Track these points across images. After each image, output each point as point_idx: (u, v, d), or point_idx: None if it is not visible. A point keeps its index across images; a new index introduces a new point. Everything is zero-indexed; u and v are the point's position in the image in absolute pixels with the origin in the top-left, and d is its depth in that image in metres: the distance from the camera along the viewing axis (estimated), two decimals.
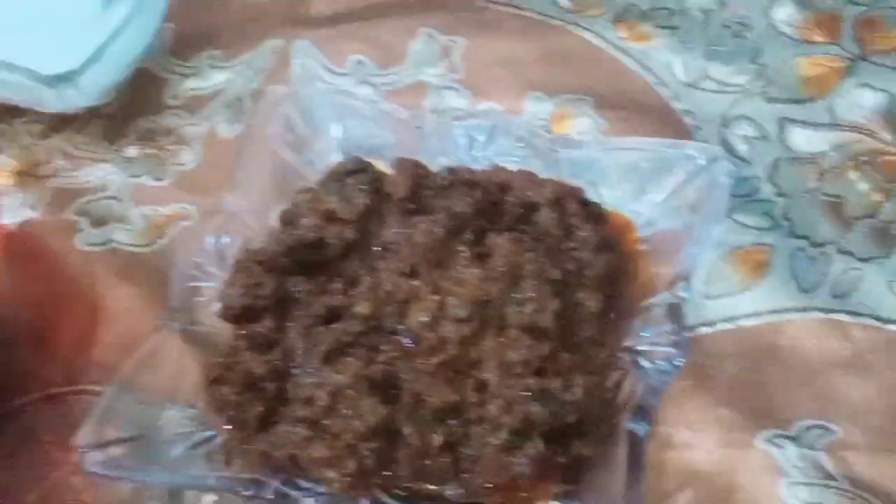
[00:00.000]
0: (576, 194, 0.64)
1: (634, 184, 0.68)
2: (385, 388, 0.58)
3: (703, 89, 0.76)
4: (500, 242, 0.61)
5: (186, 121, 0.78)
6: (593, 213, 0.64)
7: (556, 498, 0.57)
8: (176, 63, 0.81)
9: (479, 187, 0.64)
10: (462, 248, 0.61)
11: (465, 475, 0.57)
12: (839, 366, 0.63)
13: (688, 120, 0.74)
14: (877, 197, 0.69)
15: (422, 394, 0.57)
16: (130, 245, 0.72)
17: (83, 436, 0.59)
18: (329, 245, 0.63)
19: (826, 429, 0.61)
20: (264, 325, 0.61)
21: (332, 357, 0.58)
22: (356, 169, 0.66)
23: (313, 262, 0.63)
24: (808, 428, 0.61)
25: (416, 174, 0.65)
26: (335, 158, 0.70)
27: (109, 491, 0.63)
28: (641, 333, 0.61)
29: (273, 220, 0.67)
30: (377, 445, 0.56)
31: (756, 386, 0.63)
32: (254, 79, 0.79)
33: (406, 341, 0.59)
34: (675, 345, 0.59)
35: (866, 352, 0.63)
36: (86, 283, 0.70)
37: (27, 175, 0.76)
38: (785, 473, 0.60)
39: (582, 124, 0.75)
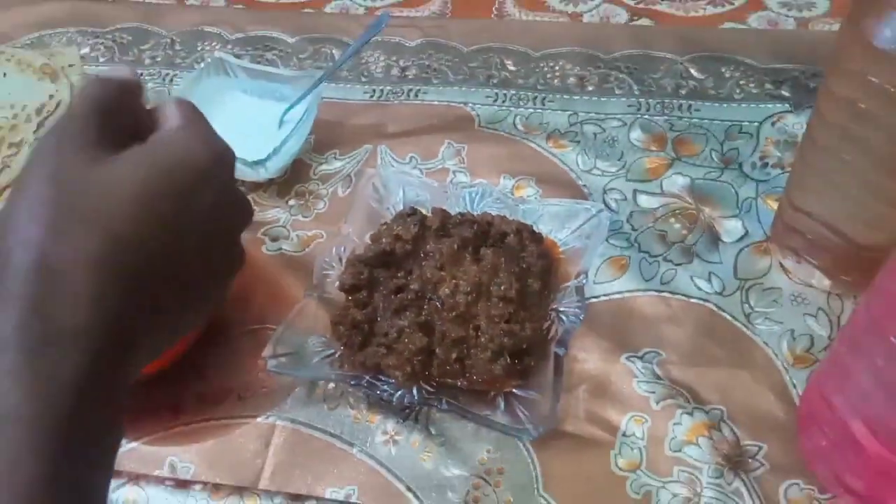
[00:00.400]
0: (527, 228, 0.66)
1: (557, 223, 0.69)
2: (426, 329, 0.59)
3: (593, 174, 0.76)
4: (487, 253, 0.63)
5: (321, 187, 0.79)
6: (537, 238, 0.66)
7: (515, 386, 0.58)
8: (315, 156, 0.82)
9: (476, 223, 0.66)
10: (466, 255, 0.63)
11: (468, 375, 0.58)
12: (664, 320, 0.64)
13: (585, 190, 0.75)
14: (684, 232, 0.70)
15: (445, 332, 0.58)
16: (291, 252, 0.73)
17: (266, 351, 0.60)
18: (396, 253, 0.64)
19: (658, 353, 0.62)
20: (362, 294, 0.63)
21: (398, 312, 0.61)
22: (411, 213, 0.67)
23: (389, 262, 0.64)
24: (648, 352, 0.62)
25: (443, 215, 0.67)
26: (400, 206, 0.71)
27: (280, 382, 0.63)
28: (561, 302, 0.62)
29: (367, 239, 0.68)
30: (421, 358, 0.58)
31: (620, 330, 0.64)
32: (357, 165, 0.80)
33: (438, 304, 0.60)
34: (578, 308, 0.61)
35: (679, 313, 0.64)
36: (268, 272, 0.70)
37: None
38: (636, 376, 0.61)
39: (529, 191, 0.75)
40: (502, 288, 0.60)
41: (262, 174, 0.75)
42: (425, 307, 0.61)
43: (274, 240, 0.75)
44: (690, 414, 0.58)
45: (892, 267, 0.45)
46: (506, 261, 0.62)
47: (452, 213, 0.69)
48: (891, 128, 0.51)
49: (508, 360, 0.58)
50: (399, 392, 0.58)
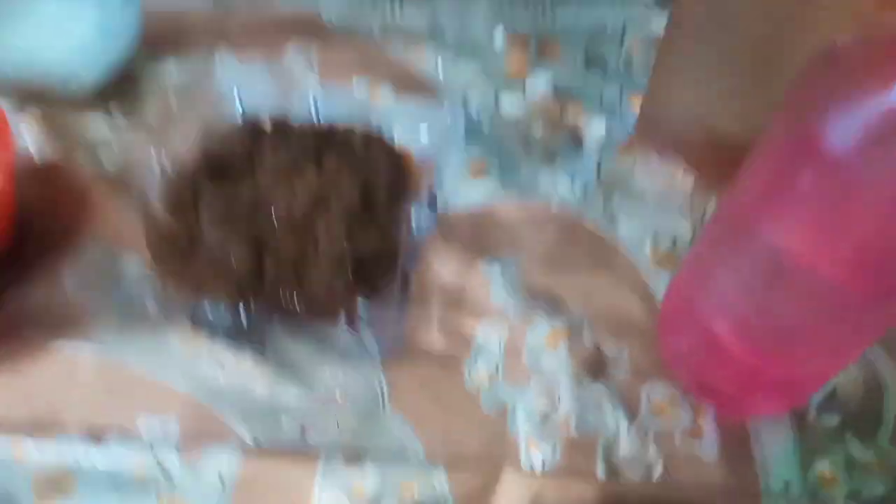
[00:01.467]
0: (376, 134, 0.60)
1: (411, 129, 0.63)
2: (256, 244, 0.53)
3: (453, 76, 0.70)
4: (329, 158, 0.55)
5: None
6: (385, 145, 0.59)
7: (358, 303, 0.52)
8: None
9: (318, 131, 0.59)
10: (309, 166, 0.56)
11: (306, 294, 0.53)
12: (524, 225, 0.59)
13: (444, 93, 0.68)
14: (546, 135, 0.65)
15: (279, 247, 0.52)
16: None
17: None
18: (228, 164, 0.58)
19: (517, 260, 0.57)
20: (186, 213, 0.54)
21: (224, 226, 0.53)
22: (246, 121, 0.60)
23: (219, 175, 0.58)
24: (506, 259, 0.57)
25: (280, 122, 0.61)
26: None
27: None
28: (413, 213, 0.56)
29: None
30: (249, 278, 0.52)
31: (479, 238, 0.59)
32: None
33: (273, 219, 0.54)
34: (430, 217, 0.55)
35: (540, 218, 0.60)
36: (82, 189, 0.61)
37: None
38: (493, 284, 0.56)
39: (384, 94, 0.68)
40: (343, 198, 0.54)
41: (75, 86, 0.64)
42: (257, 221, 0.54)
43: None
44: (549, 322, 0.54)
45: (756, 159, 0.41)
46: (349, 169, 0.55)
47: (296, 121, 0.61)
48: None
49: (350, 275, 0.51)
50: (225, 313, 0.51)
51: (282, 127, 0.59)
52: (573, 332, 0.54)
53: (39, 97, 0.69)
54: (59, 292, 0.55)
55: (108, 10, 0.69)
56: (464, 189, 0.62)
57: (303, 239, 0.53)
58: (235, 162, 0.58)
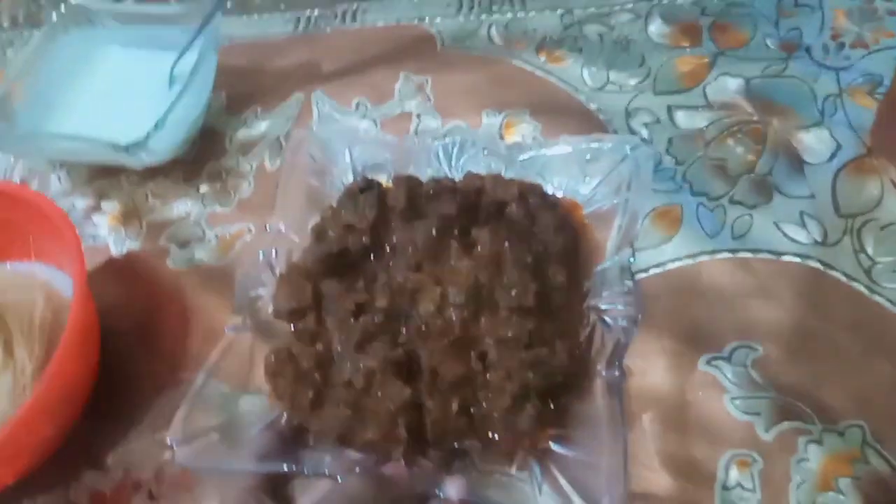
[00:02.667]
0: (536, 189, 0.44)
1: (572, 173, 0.47)
2: (407, 368, 0.40)
3: (607, 91, 0.53)
4: (481, 235, 0.42)
5: (242, 161, 0.56)
6: (550, 202, 0.44)
7: (550, 440, 0.37)
8: (229, 118, 0.58)
9: (459, 192, 0.45)
10: (452, 242, 0.43)
11: (479, 433, 0.39)
12: (749, 294, 0.42)
13: (601, 117, 0.52)
14: (751, 157, 0.48)
15: (437, 370, 0.38)
16: (208, 260, 0.52)
17: (174, 430, 0.39)
18: (350, 252, 0.44)
19: (750, 348, 0.41)
20: (308, 321, 0.42)
21: (362, 344, 0.40)
22: (365, 186, 0.46)
23: (340, 266, 0.44)
24: (736, 348, 0.41)
25: (410, 186, 0.45)
26: (349, 178, 0.50)
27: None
28: (601, 294, 0.40)
29: (307, 233, 0.46)
30: (407, 418, 0.38)
31: (687, 318, 0.43)
32: (286, 124, 0.57)
33: (420, 326, 0.41)
34: (630, 300, 0.39)
35: (768, 280, 0.43)
36: (177, 294, 0.48)
37: (129, 215, 0.55)
38: (726, 390, 0.39)
39: (524, 129, 0.52)
40: (514, 291, 0.39)
41: (144, 159, 0.52)
42: (402, 333, 0.40)
43: (183, 245, 0.53)
44: (819, 441, 0.38)
45: None
46: (511, 245, 0.40)
47: (423, 178, 0.46)
48: None
49: (538, 405, 0.36)
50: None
51: (410, 193, 0.45)
52: (857, 456, 0.37)
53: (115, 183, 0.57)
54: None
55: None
56: (652, 247, 0.46)
57: (466, 355, 0.38)
58: (358, 248, 0.43)
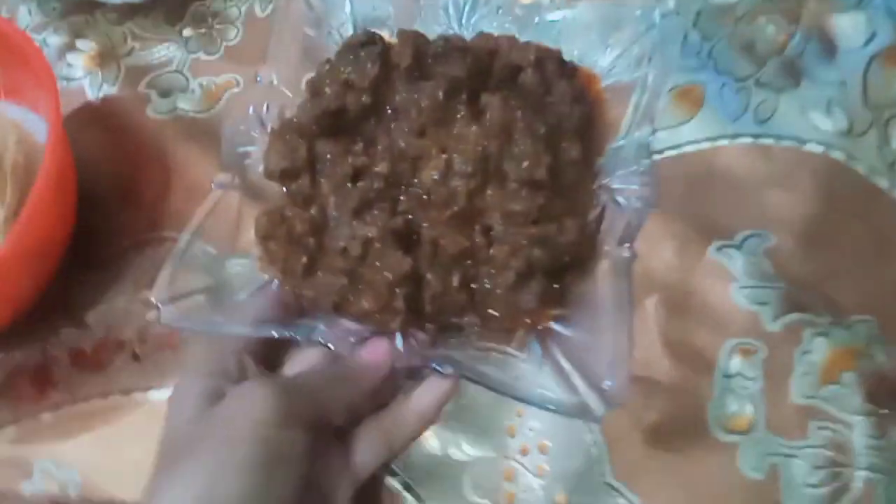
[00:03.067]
0: (554, 55, 0.40)
1: (591, 41, 0.42)
2: (406, 238, 0.36)
3: None
4: (492, 101, 0.38)
5: (229, 4, 0.51)
6: (568, 71, 0.40)
7: (553, 319, 0.35)
8: None
9: (471, 53, 0.40)
10: (460, 107, 0.38)
11: (480, 309, 0.36)
12: (767, 183, 0.41)
13: None
14: (782, 37, 0.44)
15: (438, 242, 0.36)
16: (192, 111, 0.47)
17: (158, 290, 0.36)
18: (349, 111, 0.39)
19: (763, 237, 0.39)
20: (302, 184, 0.38)
21: (360, 211, 0.36)
22: (366, 41, 0.41)
23: (337, 126, 0.39)
24: (749, 236, 0.39)
25: (416, 44, 0.41)
26: (349, 31, 0.44)
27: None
28: (615, 173, 0.38)
29: (301, 88, 0.42)
30: (406, 290, 0.35)
31: (700, 204, 0.41)
32: None
33: (422, 195, 0.37)
34: (646, 181, 0.37)
35: (788, 169, 0.41)
36: (158, 145, 0.45)
37: (106, 56, 0.50)
38: (734, 279, 0.38)
39: None
40: (525, 163, 0.36)
41: None
42: (401, 200, 0.37)
43: (165, 94, 0.49)
44: (826, 334, 0.37)
45: None
46: (524, 114, 0.37)
47: (430, 37, 0.42)
48: None
49: (544, 283, 0.35)
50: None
51: (416, 51, 0.41)
52: (862, 351, 0.37)
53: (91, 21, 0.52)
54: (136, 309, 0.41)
55: None
56: (671, 127, 0.44)
57: (470, 228, 0.36)
58: (357, 107, 0.40)
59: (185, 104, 0.49)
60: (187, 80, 0.50)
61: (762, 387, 0.37)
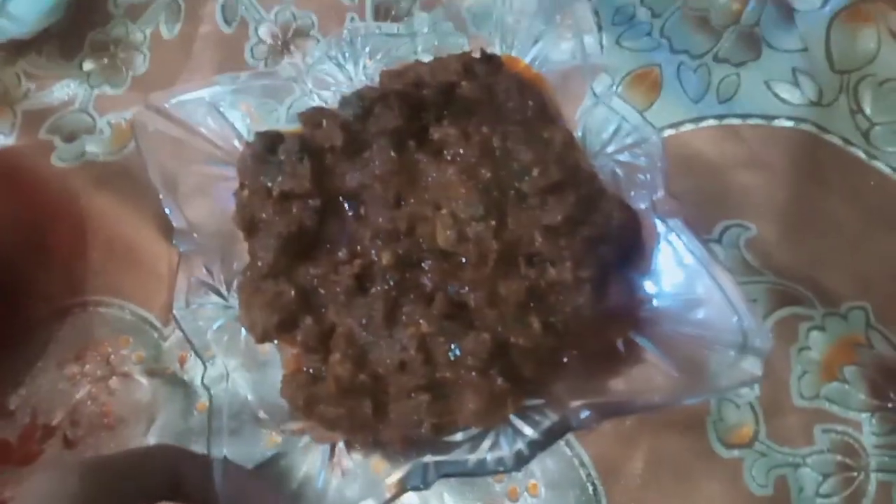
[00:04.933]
0: (470, 57, 0.36)
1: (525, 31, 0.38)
2: (459, 317, 0.31)
3: None
4: (444, 131, 0.34)
5: (131, 28, 0.46)
6: (495, 64, 0.36)
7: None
8: None
9: (392, 97, 0.34)
10: (418, 156, 0.34)
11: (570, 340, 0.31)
12: (739, 166, 0.38)
13: None
14: (736, 6, 0.41)
15: (494, 299, 0.31)
16: (102, 154, 0.43)
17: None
18: (305, 223, 0.33)
19: (742, 227, 0.36)
20: (307, 326, 0.32)
21: (392, 316, 0.31)
22: (269, 143, 0.35)
23: (303, 246, 0.33)
24: (727, 227, 0.36)
25: (338, 119, 0.35)
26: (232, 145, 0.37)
27: (129, 398, 0.36)
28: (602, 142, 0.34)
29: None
30: (500, 366, 0.30)
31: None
32: None
33: (443, 263, 0.32)
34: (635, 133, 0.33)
35: (759, 148, 0.38)
36: (68, 197, 0.40)
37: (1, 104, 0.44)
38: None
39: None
40: (535, 171, 0.32)
41: (8, 29, 0.41)
42: (424, 281, 0.32)
43: (70, 139, 0.44)
44: (821, 327, 0.34)
45: None
46: (492, 126, 0.34)
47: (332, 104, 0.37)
48: None
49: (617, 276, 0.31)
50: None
51: (343, 124, 0.35)
52: (860, 341, 0.34)
53: None
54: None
55: None
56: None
57: (514, 268, 0.31)
58: (312, 215, 0.34)
59: (93, 147, 0.44)
60: (94, 119, 0.45)
61: (760, 394, 0.34)
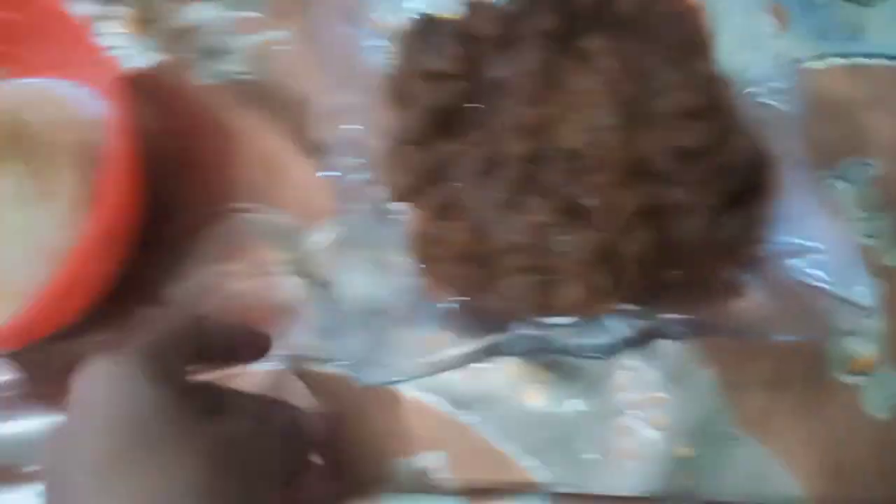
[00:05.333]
0: None
1: None
2: (574, 213, 0.34)
3: None
4: (595, 43, 0.36)
5: None
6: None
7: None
8: None
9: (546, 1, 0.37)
10: (563, 61, 0.36)
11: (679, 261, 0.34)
12: (866, 105, 0.38)
13: None
14: None
15: (613, 205, 0.33)
16: (240, 73, 0.45)
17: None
18: (449, 103, 0.36)
19: (868, 164, 0.37)
20: (435, 194, 0.36)
21: (513, 201, 0.34)
22: (426, 24, 0.38)
23: (444, 123, 0.36)
24: (852, 165, 0.37)
25: (496, 10, 0.37)
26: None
27: (276, 295, 0.38)
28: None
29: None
30: (606, 267, 0.33)
31: None
32: None
33: (567, 163, 0.34)
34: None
35: (886, 88, 0.39)
36: (212, 112, 0.43)
37: (142, 21, 0.47)
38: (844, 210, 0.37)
39: None
40: (674, 93, 0.34)
41: None
42: (547, 176, 0.34)
43: (209, 56, 0.46)
44: None
45: None
46: (642, 45, 0.36)
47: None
48: None
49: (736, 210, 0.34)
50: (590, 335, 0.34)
51: (501, 15, 0.37)
52: None
53: None
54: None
55: None
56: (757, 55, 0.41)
57: (635, 180, 0.33)
58: (455, 96, 0.37)
59: (231, 66, 0.46)
60: (231, 40, 0.47)
61: (881, 326, 0.36)
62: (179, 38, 0.47)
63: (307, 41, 0.45)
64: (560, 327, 0.33)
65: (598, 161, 0.33)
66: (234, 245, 0.41)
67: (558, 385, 0.37)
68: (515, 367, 0.37)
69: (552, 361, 0.37)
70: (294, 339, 0.39)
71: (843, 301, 0.31)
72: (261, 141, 0.43)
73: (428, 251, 0.35)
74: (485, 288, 0.34)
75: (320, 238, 0.41)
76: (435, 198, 0.36)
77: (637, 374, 0.37)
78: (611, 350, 0.33)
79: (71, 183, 0.39)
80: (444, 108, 0.36)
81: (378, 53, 0.39)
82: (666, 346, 0.36)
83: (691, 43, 0.37)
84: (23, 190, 0.39)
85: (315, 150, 0.42)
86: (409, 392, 0.38)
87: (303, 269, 0.40)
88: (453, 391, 0.37)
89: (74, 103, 0.41)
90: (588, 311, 0.33)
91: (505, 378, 0.37)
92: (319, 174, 0.38)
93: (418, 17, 0.39)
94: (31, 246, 0.38)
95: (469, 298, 0.35)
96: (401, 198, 0.37)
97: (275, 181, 0.42)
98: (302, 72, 0.44)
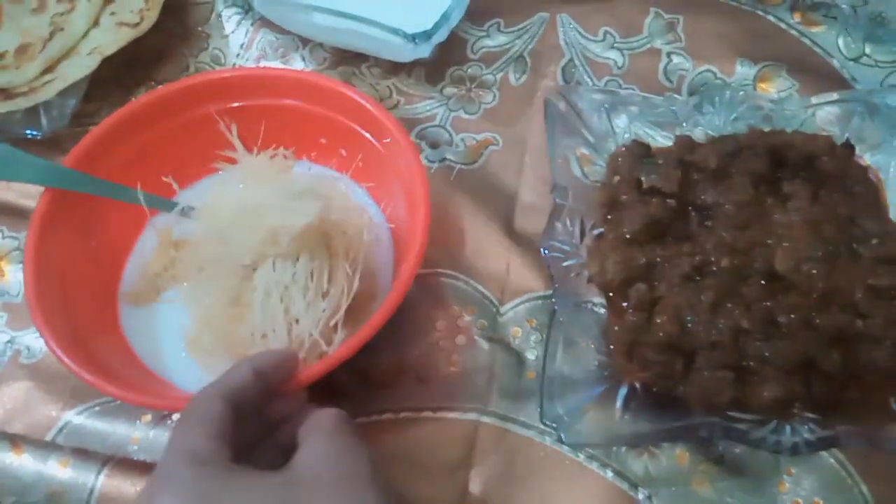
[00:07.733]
0: (833, 143, 0.45)
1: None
2: (770, 326, 0.39)
3: (863, 64, 0.54)
4: (797, 188, 0.44)
5: (485, 71, 0.57)
6: (851, 152, 0.46)
7: None
8: (471, 27, 0.58)
9: (761, 147, 0.45)
10: (769, 199, 0.44)
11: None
12: None
13: (857, 86, 0.55)
14: None
15: (811, 324, 0.39)
16: (459, 163, 0.52)
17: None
18: (664, 217, 0.44)
19: None
20: (641, 289, 0.42)
21: (717, 306, 0.40)
22: (641, 149, 0.47)
23: (657, 232, 0.44)
24: None
25: (718, 147, 0.46)
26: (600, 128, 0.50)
27: (471, 355, 0.43)
28: None
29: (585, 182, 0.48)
30: (803, 374, 0.39)
31: None
32: (530, 42, 0.58)
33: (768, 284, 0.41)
34: None
35: None
36: (432, 191, 0.49)
37: None
38: None
39: (780, 84, 0.54)
40: (874, 241, 0.40)
41: (419, 51, 0.53)
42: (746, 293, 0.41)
43: (434, 146, 0.54)
44: None
45: None
46: (840, 196, 0.42)
47: (694, 134, 0.47)
48: None
49: None
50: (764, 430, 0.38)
51: (721, 151, 0.45)
52: None
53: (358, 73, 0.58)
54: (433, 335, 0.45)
55: None
56: None
57: (828, 308, 0.39)
58: (670, 211, 0.44)
59: (451, 155, 0.54)
60: (451, 134, 0.55)
61: None
62: (408, 125, 0.55)
63: (518, 145, 0.53)
64: (745, 422, 0.38)
65: (801, 285, 0.39)
66: (437, 304, 0.47)
67: (726, 478, 0.40)
68: (687, 453, 0.41)
69: (720, 456, 0.41)
70: (482, 395, 0.44)
71: None
72: (469, 220, 0.50)
73: (631, 338, 0.40)
74: (681, 377, 0.39)
75: (511, 311, 0.46)
76: (639, 293, 0.41)
77: (798, 479, 0.40)
78: (793, 449, 0.37)
79: (346, 285, 0.43)
80: (659, 220, 0.43)
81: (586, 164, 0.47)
82: (830, 456, 0.40)
83: (874, 202, 0.43)
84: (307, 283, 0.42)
85: (515, 236, 0.49)
86: (589, 463, 0.42)
87: (494, 336, 0.46)
88: (627, 467, 0.41)
89: (363, 206, 0.49)
90: (779, 411, 0.37)
91: (676, 463, 0.41)
92: (541, 252, 0.44)
93: (635, 141, 0.47)
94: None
95: (662, 384, 0.39)
96: (607, 287, 0.42)
97: (477, 257, 0.48)
98: (514, 169, 0.51)
